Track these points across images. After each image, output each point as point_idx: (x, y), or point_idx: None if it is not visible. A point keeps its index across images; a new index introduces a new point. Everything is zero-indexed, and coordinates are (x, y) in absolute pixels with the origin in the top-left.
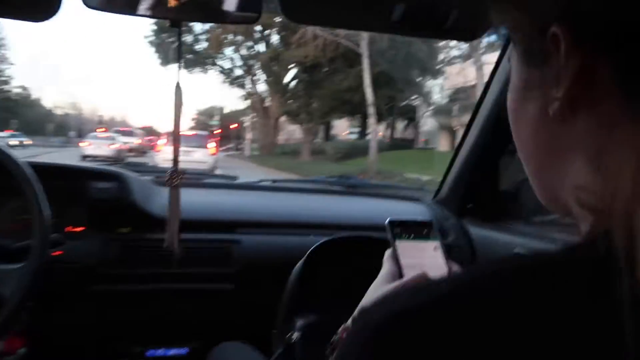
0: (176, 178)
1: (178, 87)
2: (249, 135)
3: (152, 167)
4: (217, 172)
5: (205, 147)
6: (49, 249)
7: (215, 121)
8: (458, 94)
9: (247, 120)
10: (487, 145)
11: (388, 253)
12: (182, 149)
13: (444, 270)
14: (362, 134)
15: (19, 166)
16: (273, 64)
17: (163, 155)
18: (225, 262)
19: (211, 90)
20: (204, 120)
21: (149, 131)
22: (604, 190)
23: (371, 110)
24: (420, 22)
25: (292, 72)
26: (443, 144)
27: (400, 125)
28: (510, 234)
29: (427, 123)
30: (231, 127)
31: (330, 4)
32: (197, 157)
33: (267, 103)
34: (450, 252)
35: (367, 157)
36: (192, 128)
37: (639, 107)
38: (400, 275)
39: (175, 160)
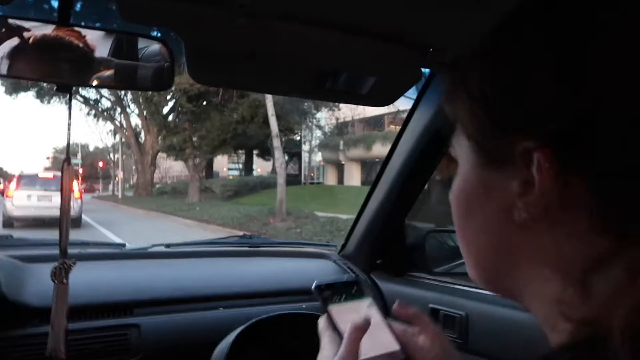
0: (66, 272)
1: (68, 160)
2: (120, 174)
3: (18, 239)
4: (88, 219)
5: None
6: None
7: (77, 160)
8: (345, 128)
9: (116, 158)
10: (395, 201)
11: (322, 322)
12: (39, 193)
13: (384, 328)
14: (248, 169)
15: None
16: (150, 93)
17: (17, 202)
18: (124, 352)
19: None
20: (61, 159)
21: None
22: (591, 306)
23: (276, 142)
24: (335, 89)
25: (171, 103)
26: (330, 179)
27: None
28: (421, 289)
29: (313, 158)
30: (99, 165)
31: (239, 69)
32: (58, 203)
33: (142, 137)
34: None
35: (259, 193)
36: (48, 169)
37: (614, 221)
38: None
39: (64, 250)
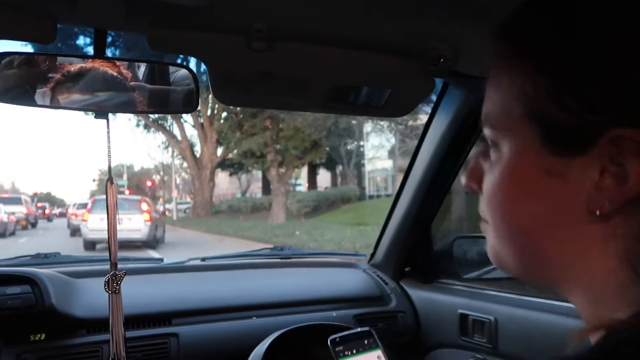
0: (117, 283)
1: (110, 180)
2: (174, 193)
3: (65, 257)
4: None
5: (140, 212)
6: None
7: (124, 181)
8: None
9: (165, 175)
10: (421, 207)
11: None
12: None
13: None
14: (312, 182)
15: None
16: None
17: (91, 225)
18: None
19: (115, 144)
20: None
21: (45, 198)
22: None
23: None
24: (352, 103)
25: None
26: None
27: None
28: (450, 295)
29: (377, 166)
30: (147, 185)
31: (259, 89)
32: (130, 226)
33: (197, 151)
34: (396, 321)
35: (342, 209)
36: (94, 192)
37: None
38: None
39: (114, 263)
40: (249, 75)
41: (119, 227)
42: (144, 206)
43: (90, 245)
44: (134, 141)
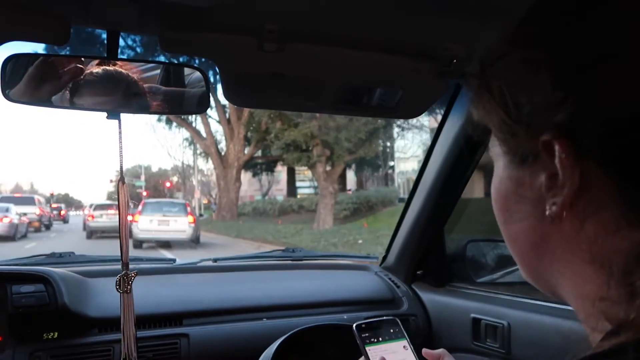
0: (129, 283)
1: (122, 180)
2: (197, 193)
3: (79, 256)
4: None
5: (185, 215)
6: None
7: (141, 182)
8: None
9: (187, 173)
10: (433, 210)
11: None
12: (159, 218)
13: None
14: (343, 184)
15: None
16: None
17: (141, 226)
18: None
19: (133, 145)
20: (127, 182)
21: (63, 199)
22: (636, 306)
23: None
24: (363, 104)
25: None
26: None
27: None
28: (462, 299)
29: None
30: (165, 186)
31: (270, 91)
32: (176, 227)
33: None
34: (407, 324)
35: (383, 212)
36: (112, 193)
37: None
38: None
39: (126, 263)
40: (261, 76)
41: (167, 227)
42: (188, 209)
43: (139, 244)
44: (154, 139)
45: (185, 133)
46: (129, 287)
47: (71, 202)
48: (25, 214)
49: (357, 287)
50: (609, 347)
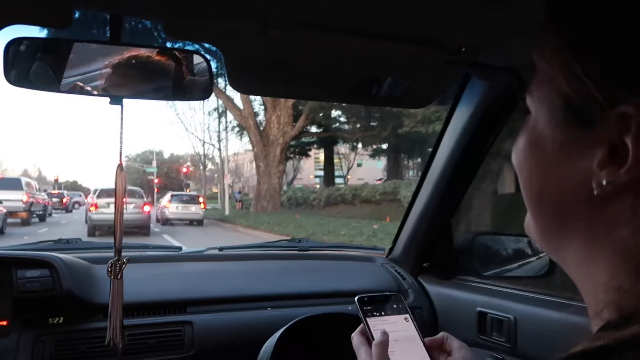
0: (120, 268)
1: (121, 167)
2: (227, 180)
3: (85, 242)
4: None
5: (197, 203)
6: None
7: (153, 168)
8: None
9: (216, 156)
10: (440, 202)
11: (357, 337)
12: (182, 205)
13: (418, 342)
14: (396, 172)
15: None
16: None
17: (171, 210)
18: (177, 348)
19: (144, 128)
20: (137, 167)
21: (71, 187)
22: None
23: None
24: (371, 94)
25: None
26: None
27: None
28: (468, 292)
29: None
30: (182, 171)
31: (275, 78)
32: (192, 211)
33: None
34: (413, 316)
35: None
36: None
37: None
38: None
39: (119, 250)
40: (266, 63)
41: (187, 211)
42: (200, 199)
43: (168, 222)
44: (173, 115)
45: (212, 102)
46: (120, 273)
47: (81, 190)
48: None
49: (363, 278)
50: (613, 342)
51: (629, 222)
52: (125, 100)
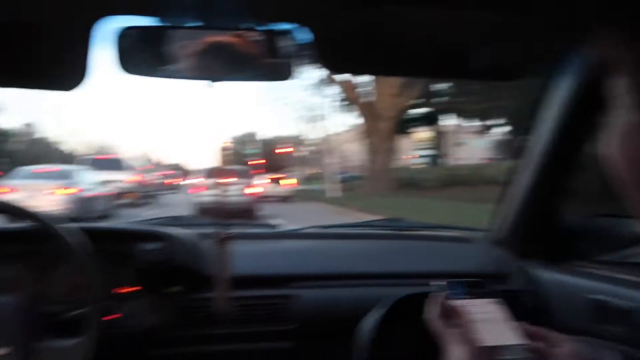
0: (225, 239)
1: (225, 148)
2: (329, 159)
3: (193, 218)
4: None
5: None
6: (102, 318)
7: (254, 149)
8: None
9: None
10: (546, 178)
11: (437, 319)
12: (273, 184)
13: (506, 323)
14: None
15: (69, 234)
16: None
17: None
18: (282, 320)
19: (246, 111)
20: (238, 149)
21: (175, 169)
22: None
23: None
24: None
25: None
26: None
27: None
28: (579, 277)
29: None
30: (284, 150)
31: (368, 56)
32: (281, 189)
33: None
34: (516, 301)
35: None
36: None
37: None
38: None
39: (224, 224)
40: (358, 40)
41: (276, 190)
42: (288, 179)
43: (265, 199)
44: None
45: (313, 77)
46: (224, 245)
47: (187, 172)
48: (107, 183)
49: (462, 260)
50: None
51: None
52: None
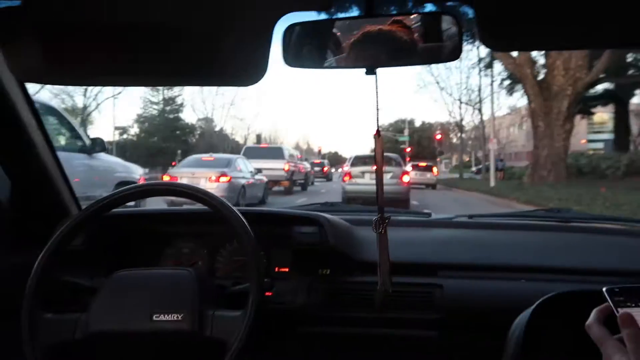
0: (384, 224)
1: (378, 133)
2: (492, 144)
3: (343, 205)
4: None
5: (431, 171)
6: (263, 294)
7: (405, 137)
8: None
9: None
10: None
11: (598, 326)
12: (417, 172)
13: None
14: None
15: (237, 217)
16: None
17: (412, 176)
18: (429, 308)
19: (394, 96)
20: (390, 137)
21: (332, 158)
22: None
23: None
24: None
25: None
26: None
27: None
28: None
29: None
30: (436, 138)
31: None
32: (428, 177)
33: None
34: None
35: None
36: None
37: None
38: None
39: (382, 208)
40: (522, 14)
41: (422, 178)
42: (434, 169)
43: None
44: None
45: (472, 58)
46: (383, 228)
47: (340, 161)
48: (259, 171)
49: (634, 256)
50: None
51: None
52: (378, 70)
